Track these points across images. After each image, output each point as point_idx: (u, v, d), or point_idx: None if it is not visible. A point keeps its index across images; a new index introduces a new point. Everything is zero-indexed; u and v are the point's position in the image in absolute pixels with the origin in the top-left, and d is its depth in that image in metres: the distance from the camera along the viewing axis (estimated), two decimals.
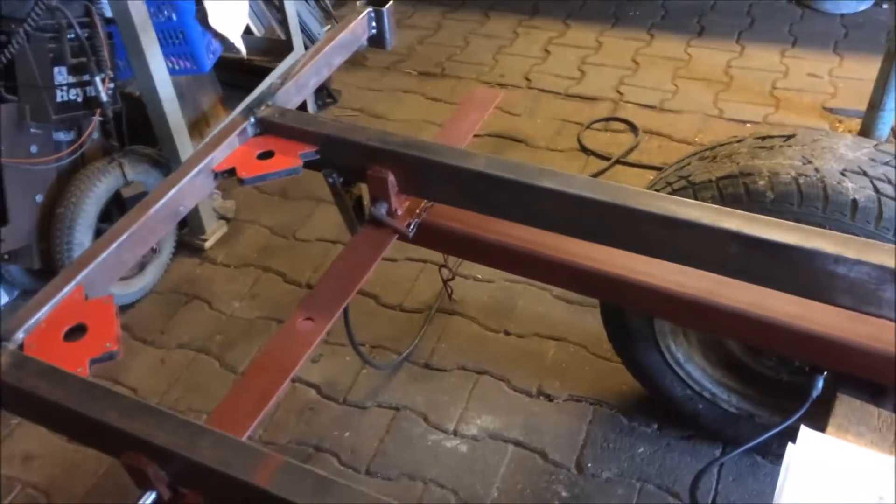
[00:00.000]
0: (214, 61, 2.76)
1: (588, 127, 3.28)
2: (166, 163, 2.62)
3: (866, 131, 3.01)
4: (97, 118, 2.41)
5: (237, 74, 3.24)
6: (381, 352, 2.38)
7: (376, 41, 2.00)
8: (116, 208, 2.53)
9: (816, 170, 1.52)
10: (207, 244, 2.82)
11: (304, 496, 0.99)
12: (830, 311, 1.39)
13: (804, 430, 1.27)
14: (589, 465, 2.03)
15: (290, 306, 2.54)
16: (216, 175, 1.57)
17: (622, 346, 1.98)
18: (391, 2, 1.96)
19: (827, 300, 1.29)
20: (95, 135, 2.48)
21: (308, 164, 1.60)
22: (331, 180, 1.63)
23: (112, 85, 2.36)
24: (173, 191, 1.47)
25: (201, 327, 2.52)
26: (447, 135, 1.90)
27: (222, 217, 2.92)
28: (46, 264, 2.44)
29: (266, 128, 1.64)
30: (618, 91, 3.50)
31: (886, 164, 1.53)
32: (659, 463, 2.02)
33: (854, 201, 1.47)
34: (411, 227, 1.63)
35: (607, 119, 3.32)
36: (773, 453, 2.00)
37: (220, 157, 1.57)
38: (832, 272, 1.24)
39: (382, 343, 2.41)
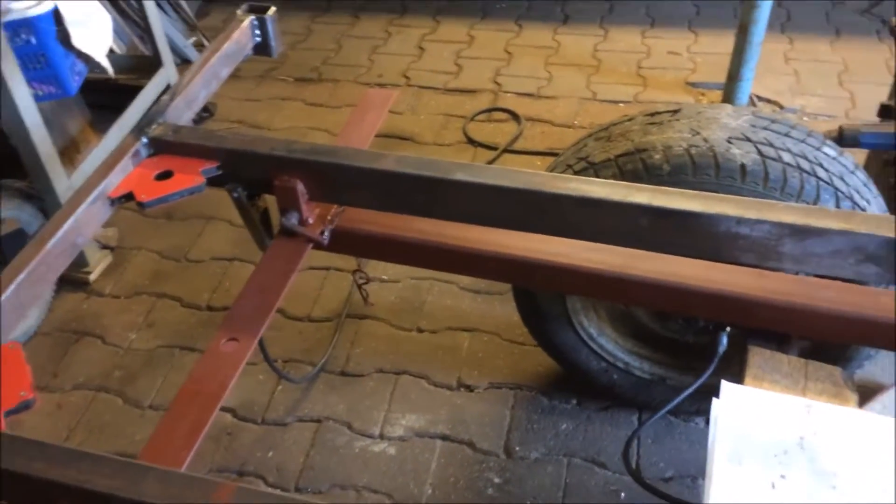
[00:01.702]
0: (80, 83, 2.61)
1: (472, 119, 3.33)
2: (39, 196, 2.45)
3: (728, 102, 3.21)
4: None
5: (104, 95, 3.07)
6: (296, 365, 2.33)
7: (261, 49, 1.96)
8: None
9: (705, 140, 1.61)
10: (92, 276, 2.67)
11: None
12: (735, 271, 1.49)
13: (725, 384, 1.34)
14: (517, 448, 2.07)
15: (192, 332, 2.45)
16: (112, 201, 1.49)
17: (536, 328, 2.03)
18: (273, 8, 1.92)
19: (733, 260, 1.37)
20: None
21: (210, 181, 1.54)
22: (236, 195, 1.58)
23: None
24: (69, 222, 1.39)
25: (97, 364, 2.38)
26: (346, 139, 1.88)
27: (105, 246, 2.76)
28: None
29: (160, 147, 1.57)
30: (495, 82, 3.57)
31: (765, 128, 1.64)
32: (582, 436, 2.09)
33: (742, 166, 1.57)
34: (325, 234, 1.61)
35: (489, 110, 3.38)
36: (685, 412, 2.11)
37: (115, 181, 1.49)
38: (736, 233, 1.32)
39: (295, 356, 2.36)
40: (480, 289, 2.51)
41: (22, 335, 2.43)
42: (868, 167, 2.39)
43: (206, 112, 3.48)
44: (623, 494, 1.94)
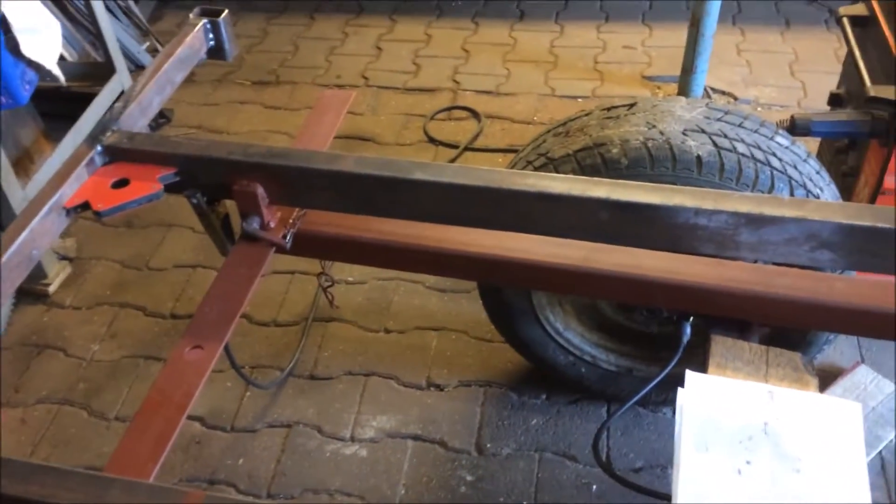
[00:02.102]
0: (31, 92, 2.55)
1: (432, 118, 3.33)
2: None
3: (683, 94, 3.26)
4: None
5: (57, 104, 3.02)
6: (263, 371, 2.32)
7: (216, 53, 1.93)
8: None
9: (661, 132, 1.63)
10: (51, 288, 2.62)
11: None
12: (696, 261, 1.51)
13: (690, 374, 1.37)
14: (488, 445, 2.08)
15: (157, 341, 2.42)
16: (68, 212, 1.46)
17: (503, 324, 2.04)
18: (226, 11, 1.90)
19: (692, 251, 1.39)
20: None
21: (168, 188, 1.52)
22: (195, 201, 1.56)
23: None
24: (24, 234, 1.36)
25: (60, 377, 2.34)
26: (304, 141, 1.87)
27: (64, 257, 2.72)
28: None
29: (115, 155, 1.55)
30: (454, 80, 3.58)
31: (719, 119, 1.66)
32: (552, 431, 2.11)
33: (698, 157, 1.59)
34: (287, 238, 1.60)
35: (449, 108, 3.39)
36: (652, 402, 2.13)
37: (69, 191, 1.46)
38: (694, 224, 1.34)
39: (262, 362, 2.34)
40: (447, 287, 2.51)
41: None
42: (820, 155, 2.45)
43: (164, 118, 3.43)
44: (595, 487, 1.96)
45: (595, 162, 1.66)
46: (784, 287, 1.45)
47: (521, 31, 3.92)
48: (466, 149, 3.15)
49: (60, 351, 2.42)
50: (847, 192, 2.10)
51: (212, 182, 1.55)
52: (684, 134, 1.63)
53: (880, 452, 1.96)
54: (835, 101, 2.26)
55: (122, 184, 1.50)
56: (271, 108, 3.49)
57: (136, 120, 1.66)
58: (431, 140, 3.21)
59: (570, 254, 1.57)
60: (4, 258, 1.32)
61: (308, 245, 1.66)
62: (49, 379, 2.33)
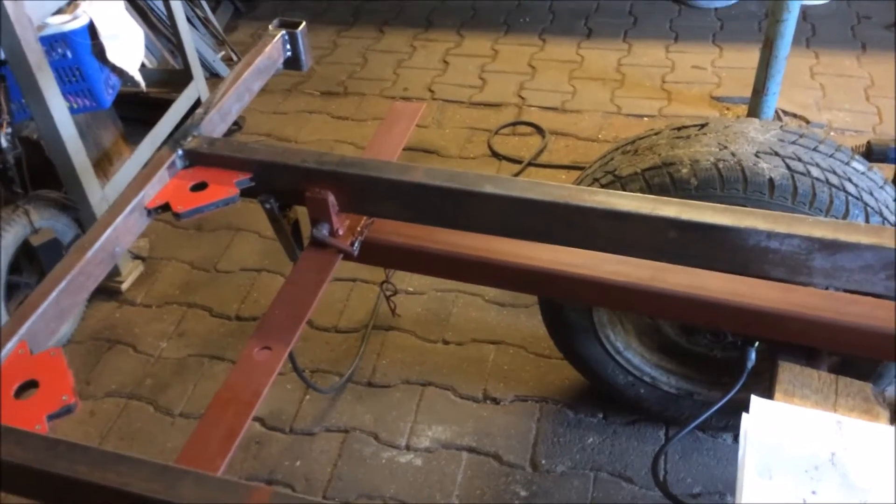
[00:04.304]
0: (114, 97, 2.67)
1: (496, 133, 3.35)
2: (73, 206, 2.50)
3: (753, 116, 3.20)
4: None
5: (136, 108, 3.15)
6: (322, 375, 2.36)
7: (292, 63, 1.99)
8: (25, 258, 2.40)
9: (733, 154, 1.62)
10: (124, 286, 2.71)
11: None
12: (763, 285, 1.49)
13: (755, 399, 1.34)
14: (543, 461, 2.07)
15: (222, 341, 2.48)
16: (149, 212, 1.52)
17: (563, 341, 2.03)
18: (304, 23, 1.95)
19: (762, 274, 1.37)
20: None
21: (243, 192, 1.57)
22: (268, 206, 1.61)
23: (10, 130, 2.24)
24: (108, 231, 1.42)
25: (129, 373, 2.42)
26: (374, 151, 1.91)
27: (136, 257, 2.81)
28: None
29: (195, 159, 1.61)
30: (519, 96, 3.59)
31: (794, 143, 1.64)
32: (609, 451, 2.09)
33: (771, 180, 1.57)
34: (355, 245, 1.63)
35: (514, 123, 3.40)
36: (712, 427, 2.10)
37: (151, 192, 1.52)
38: (766, 248, 1.32)
39: (322, 367, 2.38)
40: (505, 301, 2.52)
41: (55, 343, 2.46)
42: None
43: (235, 125, 3.53)
44: None
45: (664, 181, 1.65)
46: (857, 315, 1.42)
47: (588, 48, 3.92)
48: (530, 164, 3.16)
49: (130, 347, 2.50)
50: None
51: (285, 188, 1.59)
52: (757, 156, 1.61)
53: None
54: None
55: (200, 187, 1.56)
56: (339, 118, 3.56)
57: (216, 126, 1.72)
58: (495, 154, 3.23)
59: (636, 272, 1.56)
60: (89, 254, 1.38)
61: (374, 253, 1.69)
62: (118, 373, 2.41)
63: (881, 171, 1.70)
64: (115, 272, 2.69)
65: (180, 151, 1.60)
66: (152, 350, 2.48)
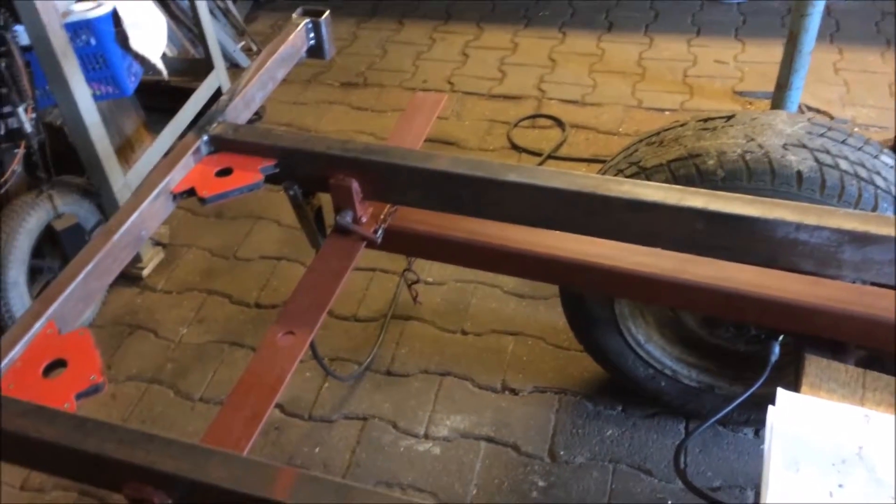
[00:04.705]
0: (136, 84, 2.68)
1: (516, 125, 3.34)
2: (96, 192, 2.52)
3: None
4: (21, 150, 2.30)
5: (157, 97, 3.16)
6: (342, 363, 2.36)
7: (315, 52, 2.00)
8: (48, 243, 2.42)
9: (760, 146, 1.60)
10: (145, 272, 2.73)
11: None
12: (790, 278, 1.48)
13: (781, 392, 1.33)
14: (561, 452, 2.07)
15: (241, 328, 2.50)
16: (175, 196, 1.53)
17: (583, 332, 2.03)
18: (328, 11, 1.96)
19: (791, 267, 1.36)
20: (18, 168, 2.37)
21: (267, 179, 1.58)
22: (292, 192, 1.61)
23: (34, 115, 2.26)
24: (134, 215, 1.43)
25: (149, 357, 2.44)
26: (396, 140, 1.91)
27: (157, 243, 2.83)
28: None
29: (220, 145, 1.61)
30: (539, 89, 3.58)
31: (822, 135, 1.62)
32: (628, 443, 2.08)
33: (799, 173, 1.56)
34: (378, 233, 1.63)
35: (533, 116, 3.39)
36: (733, 421, 2.08)
37: (177, 177, 1.53)
38: (794, 239, 1.31)
39: (341, 355, 2.39)
40: (525, 293, 2.51)
41: (78, 326, 2.49)
42: None
43: (256, 115, 3.52)
44: (670, 502, 1.92)
45: (689, 173, 1.64)
46: (885, 309, 1.40)
47: (609, 42, 3.90)
48: (550, 157, 3.14)
49: (151, 332, 2.52)
50: None
51: (309, 175, 1.59)
52: (784, 148, 1.59)
53: None
54: None
55: (225, 172, 1.57)
56: (358, 109, 3.56)
57: (240, 113, 1.73)
58: (515, 147, 3.22)
59: (661, 263, 1.55)
60: (116, 237, 1.39)
61: (397, 241, 1.69)
62: (139, 358, 2.43)
63: None
64: (136, 258, 2.71)
65: (205, 137, 1.61)
66: (173, 336, 2.50)
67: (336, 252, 1.59)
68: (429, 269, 2.61)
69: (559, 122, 3.34)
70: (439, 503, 1.96)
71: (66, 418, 1.08)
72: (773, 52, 3.21)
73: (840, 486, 1.17)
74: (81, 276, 1.31)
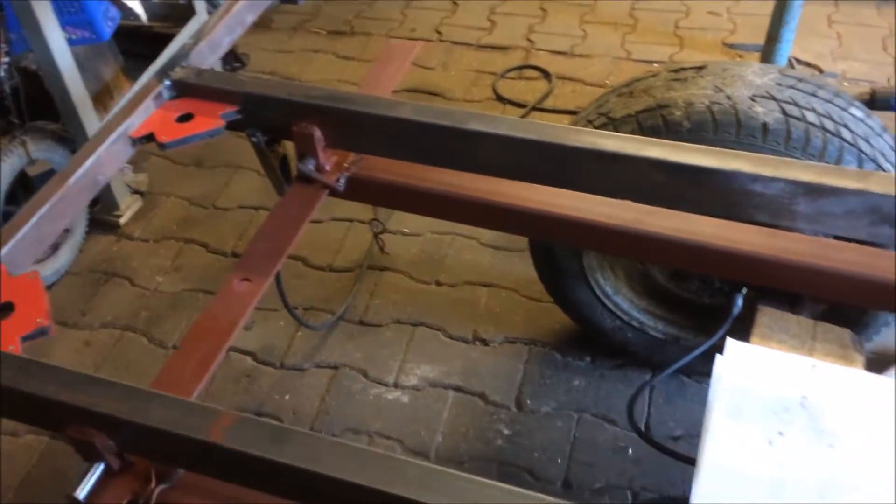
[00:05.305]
0: (114, 29, 2.64)
1: (502, 76, 3.30)
2: (71, 138, 2.50)
3: (766, 63, 3.13)
4: None
5: (137, 42, 3.10)
6: (315, 313, 2.37)
7: None
8: (22, 188, 2.41)
9: (728, 97, 1.58)
10: (122, 220, 2.72)
11: (262, 447, 1.00)
12: (751, 230, 1.47)
13: (730, 342, 1.34)
14: (528, 402, 2.09)
15: (217, 277, 2.50)
16: (134, 141, 1.52)
17: (553, 284, 2.03)
18: None
19: (746, 218, 1.36)
20: None
21: (230, 125, 1.56)
22: (255, 139, 1.60)
23: (7, 59, 2.23)
24: (90, 160, 1.42)
25: (124, 305, 2.45)
26: (367, 89, 1.89)
27: (135, 191, 2.82)
28: None
29: (182, 90, 1.60)
30: (528, 39, 3.52)
31: (791, 87, 1.60)
32: (594, 393, 2.10)
33: (764, 125, 1.54)
34: (341, 181, 1.62)
35: (520, 67, 3.34)
36: (698, 373, 2.10)
37: (136, 122, 1.52)
38: (750, 191, 1.31)
39: (315, 304, 2.40)
40: (501, 245, 2.51)
41: (53, 274, 2.50)
42: None
43: (239, 63, 3.49)
44: (630, 450, 1.95)
45: (656, 123, 1.63)
46: (840, 262, 1.40)
47: None
48: (534, 108, 3.11)
49: (126, 280, 2.53)
50: None
51: (272, 122, 1.58)
52: (752, 100, 1.57)
53: None
54: None
55: (186, 118, 1.55)
56: (344, 58, 3.52)
57: (205, 57, 1.70)
58: (500, 98, 3.19)
59: (622, 214, 1.55)
60: (71, 181, 1.38)
61: (362, 190, 1.68)
62: (114, 305, 2.44)
63: (880, 119, 1.66)
64: (113, 206, 2.71)
65: (167, 82, 1.59)
66: (148, 284, 2.51)
67: (297, 200, 1.59)
68: (405, 221, 2.60)
69: (546, 74, 3.30)
70: (404, 451, 1.99)
71: (9, 360, 1.09)
72: (767, 5, 3.14)
73: (780, 433, 1.19)
74: (35, 218, 1.31)
